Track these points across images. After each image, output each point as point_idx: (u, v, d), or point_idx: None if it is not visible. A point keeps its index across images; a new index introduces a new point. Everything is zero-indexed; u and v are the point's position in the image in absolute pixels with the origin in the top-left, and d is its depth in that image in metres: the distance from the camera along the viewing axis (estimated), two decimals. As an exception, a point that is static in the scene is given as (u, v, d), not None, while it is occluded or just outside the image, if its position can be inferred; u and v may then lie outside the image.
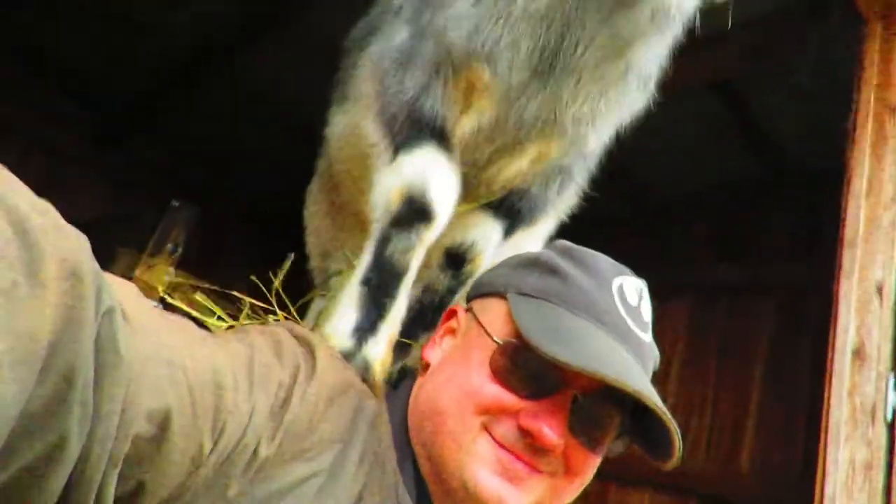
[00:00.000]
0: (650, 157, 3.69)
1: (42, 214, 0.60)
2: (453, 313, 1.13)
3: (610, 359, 0.93)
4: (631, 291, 1.04)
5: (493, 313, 1.04)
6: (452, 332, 1.10)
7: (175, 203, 3.25)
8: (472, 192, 1.43)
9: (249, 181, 5.08)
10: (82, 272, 0.60)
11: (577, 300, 1.00)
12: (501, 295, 1.05)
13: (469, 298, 1.14)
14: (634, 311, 1.03)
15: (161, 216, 3.12)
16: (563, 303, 1.00)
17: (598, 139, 1.41)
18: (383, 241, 1.28)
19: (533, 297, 1.02)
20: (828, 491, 1.66)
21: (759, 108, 3.33)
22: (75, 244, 0.62)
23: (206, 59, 4.04)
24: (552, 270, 1.04)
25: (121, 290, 0.72)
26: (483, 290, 1.11)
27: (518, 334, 0.96)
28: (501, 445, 0.94)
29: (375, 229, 1.31)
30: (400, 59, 1.35)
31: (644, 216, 4.28)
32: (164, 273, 3.29)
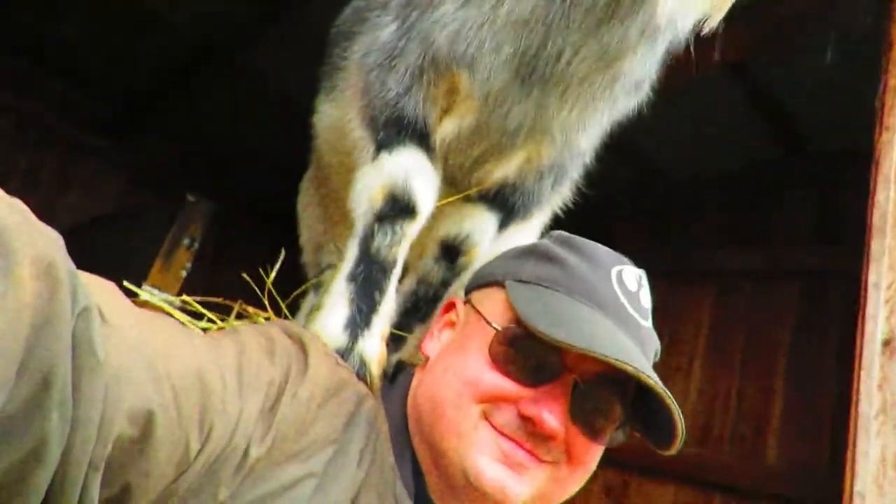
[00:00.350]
0: (667, 141, 3.63)
1: (15, 213, 0.58)
2: (452, 306, 1.12)
3: (609, 341, 0.92)
4: (630, 278, 1.03)
5: (492, 302, 1.03)
6: (451, 324, 1.10)
7: (190, 198, 3.26)
8: (462, 190, 1.43)
9: (259, 177, 5.08)
10: (57, 271, 0.58)
11: (575, 286, 0.99)
12: (499, 284, 1.04)
13: (467, 291, 1.13)
14: (633, 297, 1.02)
15: (172, 211, 3.12)
16: (562, 288, 0.99)
17: (588, 141, 1.42)
18: (368, 237, 1.29)
19: (531, 283, 1.01)
20: (857, 487, 1.60)
21: (780, 88, 3.25)
22: (50, 243, 0.60)
23: (217, 55, 4.04)
24: (550, 258, 1.04)
25: (99, 291, 0.70)
26: (481, 281, 1.10)
27: (517, 320, 0.95)
28: (502, 433, 0.93)
29: (359, 226, 1.32)
30: (385, 58, 1.35)
31: (663, 202, 4.21)
32: (182, 268, 3.30)
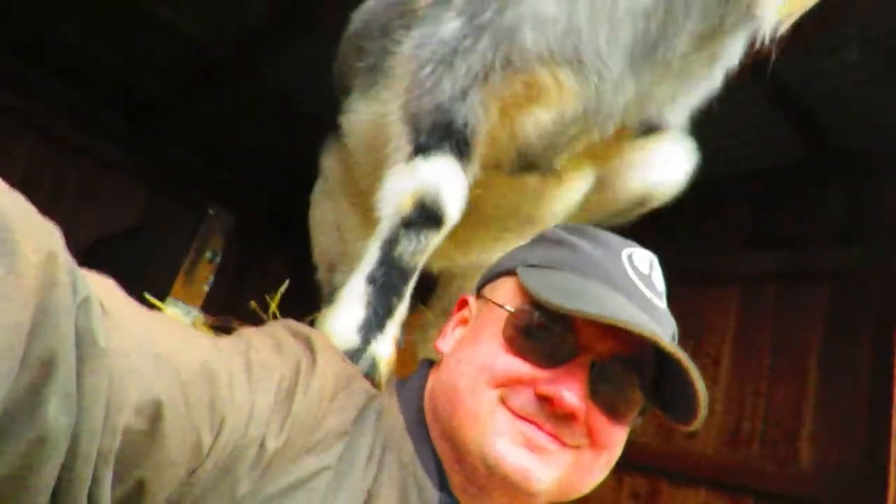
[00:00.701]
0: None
1: (15, 202, 0.58)
2: (464, 303, 1.11)
3: (624, 312, 0.89)
4: (641, 261, 1.02)
5: (503, 290, 1.02)
6: (464, 321, 1.08)
7: (211, 211, 3.29)
8: (543, 170, 1.45)
9: (278, 185, 5.11)
10: (57, 261, 0.58)
11: (586, 267, 0.97)
12: (510, 272, 1.03)
13: (479, 286, 1.12)
14: (646, 279, 1.00)
15: (193, 223, 3.15)
16: (573, 270, 0.97)
17: (675, 122, 1.46)
18: (392, 241, 1.28)
19: (542, 266, 1.00)
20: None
21: (803, 86, 3.20)
22: (50, 233, 0.60)
23: (232, 62, 4.05)
24: (560, 242, 1.03)
25: (100, 285, 0.70)
26: (491, 274, 1.09)
27: (529, 302, 0.94)
28: (520, 416, 0.91)
29: (383, 227, 1.31)
30: (443, 55, 1.32)
31: (683, 202, 4.14)
32: (205, 281, 3.33)
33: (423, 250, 1.28)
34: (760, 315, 3.61)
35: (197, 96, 4.50)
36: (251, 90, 4.21)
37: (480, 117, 1.32)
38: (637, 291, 0.97)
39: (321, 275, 2.00)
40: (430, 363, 1.12)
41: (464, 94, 1.30)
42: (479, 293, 1.10)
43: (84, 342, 0.61)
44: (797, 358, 3.37)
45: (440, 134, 1.30)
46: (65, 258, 0.60)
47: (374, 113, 1.57)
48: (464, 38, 1.31)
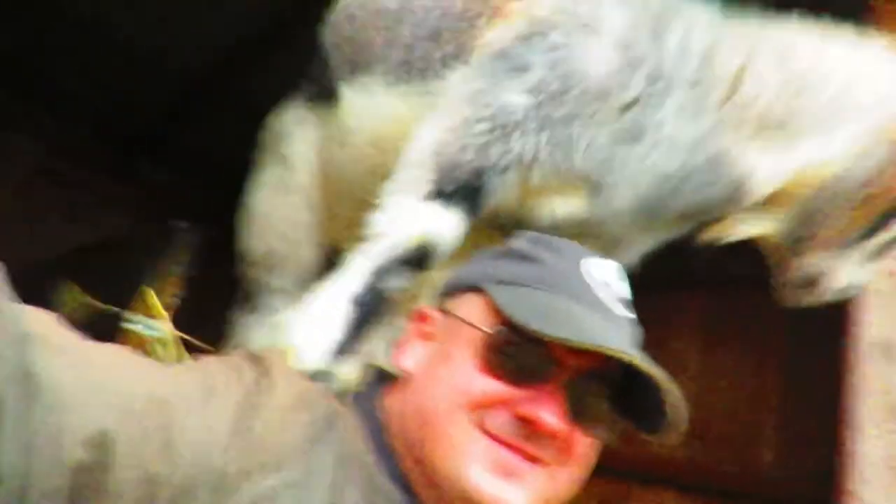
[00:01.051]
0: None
1: None
2: (423, 316, 1.08)
3: (601, 334, 0.91)
4: (602, 271, 1.03)
5: (471, 307, 1.01)
6: (426, 335, 1.06)
7: (178, 225, 3.26)
8: (500, 227, 1.50)
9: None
10: None
11: (552, 282, 0.98)
12: (477, 288, 1.02)
13: (440, 299, 1.10)
14: (609, 289, 1.01)
15: (162, 237, 3.13)
16: (541, 285, 0.98)
17: (638, 255, 1.57)
18: (385, 272, 1.29)
19: (513, 284, 0.99)
20: (862, 492, 1.60)
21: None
22: None
23: (211, 83, 4.07)
24: (525, 257, 1.03)
25: (40, 320, 0.70)
26: (454, 288, 1.08)
27: (503, 322, 0.94)
28: (498, 439, 0.91)
29: (378, 252, 1.31)
30: (503, 123, 1.34)
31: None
32: (173, 295, 3.29)
33: (407, 288, 1.30)
34: (725, 317, 3.66)
35: (166, 116, 4.49)
36: (232, 109, 4.21)
37: (506, 193, 1.36)
38: (601, 305, 0.98)
39: (255, 273, 1.91)
40: (382, 374, 1.10)
41: (504, 170, 1.33)
42: (441, 307, 1.08)
43: (28, 379, 0.61)
44: (760, 359, 3.43)
45: (467, 190, 1.32)
46: (3, 295, 0.60)
47: (395, 112, 1.58)
48: (528, 120, 1.33)
